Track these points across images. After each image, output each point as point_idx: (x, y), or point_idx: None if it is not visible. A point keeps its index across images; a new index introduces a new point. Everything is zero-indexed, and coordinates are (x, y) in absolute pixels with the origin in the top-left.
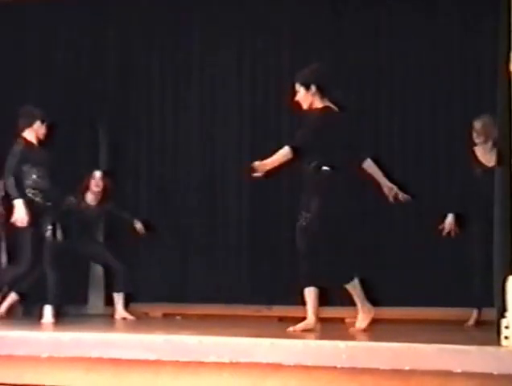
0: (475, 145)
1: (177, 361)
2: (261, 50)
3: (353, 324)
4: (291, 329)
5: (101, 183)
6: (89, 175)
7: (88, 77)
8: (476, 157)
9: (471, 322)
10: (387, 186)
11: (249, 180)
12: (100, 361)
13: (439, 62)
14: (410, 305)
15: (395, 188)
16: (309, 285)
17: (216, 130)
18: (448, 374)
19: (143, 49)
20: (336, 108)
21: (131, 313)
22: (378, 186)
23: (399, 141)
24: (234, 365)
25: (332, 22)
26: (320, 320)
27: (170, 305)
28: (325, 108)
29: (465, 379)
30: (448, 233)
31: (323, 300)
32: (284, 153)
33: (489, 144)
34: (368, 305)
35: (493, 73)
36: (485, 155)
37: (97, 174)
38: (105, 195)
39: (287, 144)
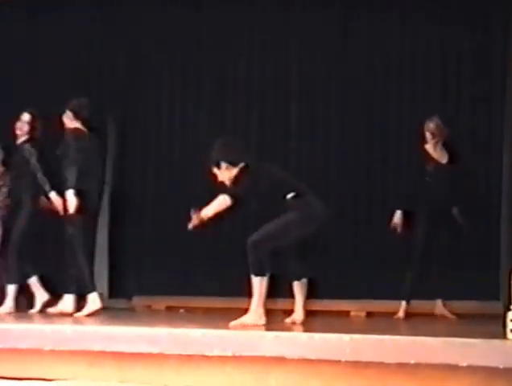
0: (426, 143)
1: (180, 354)
2: (269, 38)
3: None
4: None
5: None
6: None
7: (97, 67)
8: (428, 154)
9: (400, 314)
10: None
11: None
12: (103, 354)
13: None
14: (415, 298)
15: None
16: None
17: (224, 120)
18: (453, 368)
19: (152, 39)
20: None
21: (135, 306)
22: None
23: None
24: (238, 358)
25: None
26: (325, 313)
27: (173, 299)
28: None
29: (471, 372)
30: (395, 229)
31: (326, 293)
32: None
33: (440, 143)
34: None
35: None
36: (437, 153)
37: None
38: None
39: None
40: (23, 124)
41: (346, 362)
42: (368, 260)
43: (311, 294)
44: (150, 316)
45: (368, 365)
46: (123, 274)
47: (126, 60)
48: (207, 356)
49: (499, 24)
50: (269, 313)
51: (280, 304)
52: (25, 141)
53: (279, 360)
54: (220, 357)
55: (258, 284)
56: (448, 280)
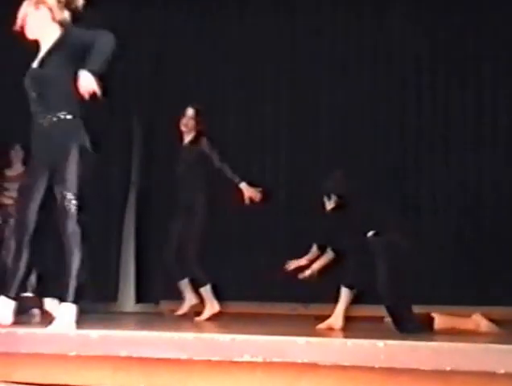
0: None
1: (209, 360)
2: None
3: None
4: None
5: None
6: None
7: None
8: None
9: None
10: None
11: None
12: (129, 360)
13: None
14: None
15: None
16: None
17: (251, 121)
18: (490, 375)
19: (178, 36)
20: None
21: (162, 310)
22: None
23: None
24: (268, 364)
25: None
26: (358, 319)
27: (202, 304)
28: None
29: (509, 380)
30: None
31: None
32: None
33: None
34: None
35: None
36: None
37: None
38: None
39: None
40: (188, 119)
41: (380, 368)
42: None
43: None
44: (178, 321)
45: (402, 372)
46: (150, 279)
47: (152, 57)
48: (236, 362)
49: None
50: (300, 318)
51: (313, 310)
52: (196, 137)
53: (311, 366)
54: (250, 363)
55: (347, 295)
56: (488, 286)
